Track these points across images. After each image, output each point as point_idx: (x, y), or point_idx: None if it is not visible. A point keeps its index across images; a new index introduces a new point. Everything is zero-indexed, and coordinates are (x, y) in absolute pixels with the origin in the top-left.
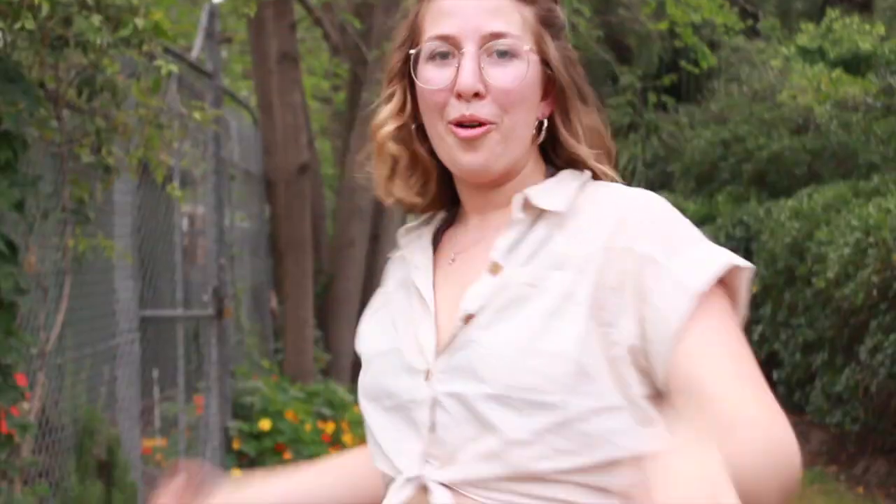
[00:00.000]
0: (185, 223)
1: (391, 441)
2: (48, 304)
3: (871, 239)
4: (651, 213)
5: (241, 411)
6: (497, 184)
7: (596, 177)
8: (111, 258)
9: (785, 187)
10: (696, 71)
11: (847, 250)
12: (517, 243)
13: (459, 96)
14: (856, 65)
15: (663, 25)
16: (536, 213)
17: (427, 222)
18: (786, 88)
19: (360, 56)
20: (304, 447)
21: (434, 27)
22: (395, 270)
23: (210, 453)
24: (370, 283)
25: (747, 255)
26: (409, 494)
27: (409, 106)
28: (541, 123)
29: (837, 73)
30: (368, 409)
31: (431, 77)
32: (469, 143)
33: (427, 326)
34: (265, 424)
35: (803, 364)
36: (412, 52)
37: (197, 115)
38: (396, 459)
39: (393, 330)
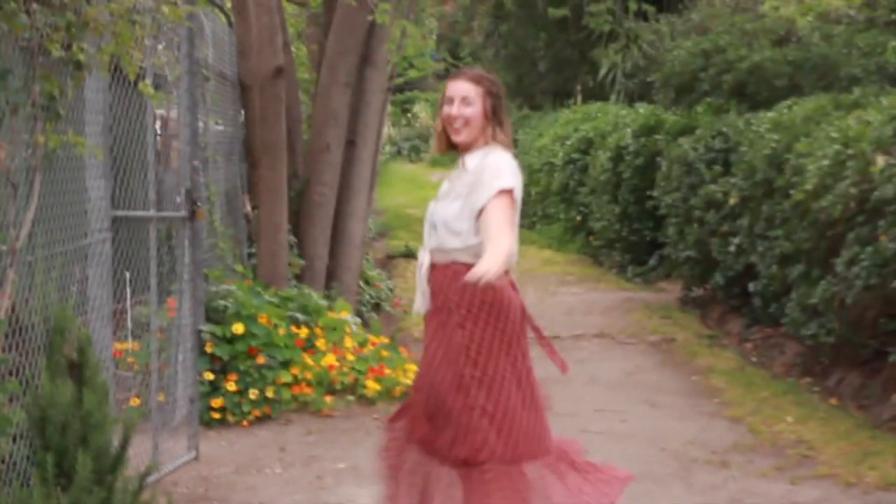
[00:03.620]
0: (158, 126)
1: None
2: (18, 202)
3: (850, 151)
4: (495, 163)
5: (214, 315)
6: (465, 149)
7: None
8: (82, 156)
9: (765, 99)
10: None
11: (826, 162)
12: (459, 175)
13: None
14: None
15: None
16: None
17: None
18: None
19: None
20: (278, 351)
21: (446, 92)
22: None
23: (182, 356)
24: (345, 188)
25: (726, 166)
26: (426, 255)
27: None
28: (484, 127)
29: None
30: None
31: (445, 109)
32: (456, 133)
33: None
34: (238, 328)
35: (780, 276)
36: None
37: (166, 9)
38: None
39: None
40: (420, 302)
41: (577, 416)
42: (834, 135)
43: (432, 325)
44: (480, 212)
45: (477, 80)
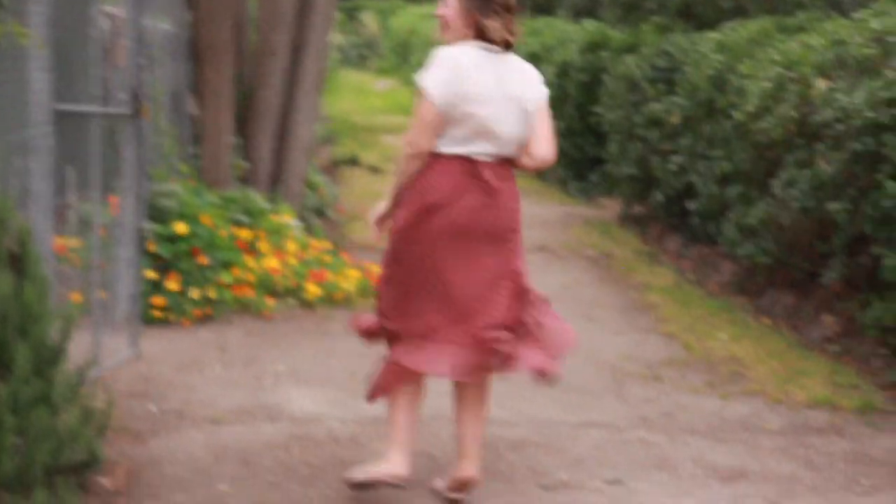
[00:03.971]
0: (105, 24)
1: None
2: None
3: (791, 74)
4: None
5: (157, 214)
6: None
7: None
8: (25, 47)
9: (710, 20)
10: None
11: (767, 84)
12: None
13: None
14: None
15: None
16: None
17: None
18: None
19: None
20: (219, 252)
21: None
22: None
23: (124, 254)
24: (291, 93)
25: (670, 85)
26: None
27: None
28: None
29: None
30: None
31: None
32: (442, 33)
33: None
34: (181, 228)
35: (718, 196)
36: None
37: None
38: None
39: None
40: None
41: None
42: (776, 57)
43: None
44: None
45: None
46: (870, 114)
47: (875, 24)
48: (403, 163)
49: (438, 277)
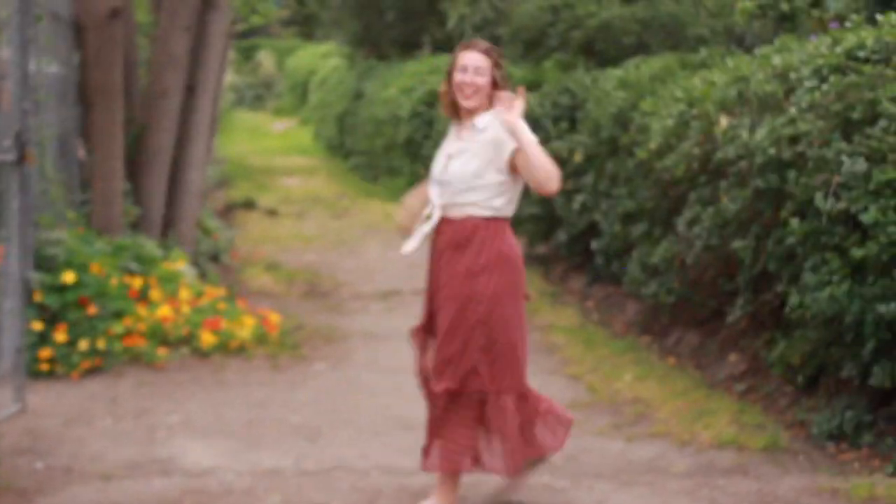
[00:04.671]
0: None
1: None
2: None
3: (694, 111)
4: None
5: (44, 263)
6: (470, 113)
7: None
8: None
9: (613, 57)
10: None
11: (670, 122)
12: (472, 136)
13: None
14: None
15: None
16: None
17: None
18: None
19: None
20: (109, 301)
21: (460, 61)
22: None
23: (9, 305)
24: (183, 136)
25: (572, 123)
26: (437, 210)
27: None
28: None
29: None
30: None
31: (459, 76)
32: (467, 98)
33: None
34: (69, 277)
35: (622, 234)
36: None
37: None
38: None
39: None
40: (413, 246)
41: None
42: (679, 94)
43: (439, 264)
44: (512, 157)
45: (487, 53)
46: (772, 151)
47: (776, 60)
48: (558, 182)
49: None
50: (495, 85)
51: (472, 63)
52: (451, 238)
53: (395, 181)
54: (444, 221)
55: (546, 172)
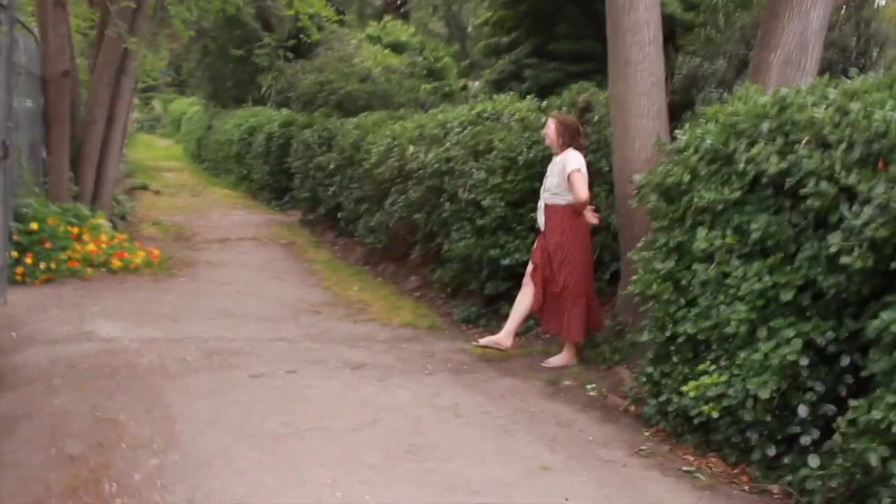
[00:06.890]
0: None
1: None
2: None
3: (395, 142)
4: (567, 158)
5: (19, 217)
6: (555, 152)
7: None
8: None
9: (353, 111)
10: (309, 40)
11: (382, 147)
12: (553, 166)
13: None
14: (397, 47)
15: (291, 12)
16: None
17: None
18: (358, 56)
19: (105, 7)
20: (58, 240)
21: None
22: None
23: None
24: (105, 146)
25: (329, 146)
26: (542, 201)
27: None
28: (558, 142)
29: (387, 51)
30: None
31: (543, 131)
32: (546, 143)
33: (546, 177)
34: (34, 225)
35: (356, 209)
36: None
37: None
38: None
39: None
40: (541, 221)
41: (233, 285)
42: (387, 133)
43: (544, 231)
44: (568, 177)
45: (554, 118)
46: (436, 165)
47: (440, 116)
48: (584, 204)
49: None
50: (562, 137)
51: (547, 123)
52: (547, 215)
53: (229, 177)
54: (546, 207)
55: (576, 194)
